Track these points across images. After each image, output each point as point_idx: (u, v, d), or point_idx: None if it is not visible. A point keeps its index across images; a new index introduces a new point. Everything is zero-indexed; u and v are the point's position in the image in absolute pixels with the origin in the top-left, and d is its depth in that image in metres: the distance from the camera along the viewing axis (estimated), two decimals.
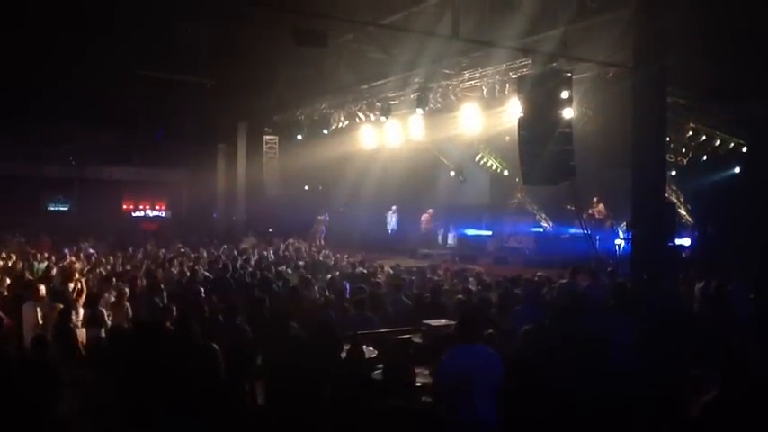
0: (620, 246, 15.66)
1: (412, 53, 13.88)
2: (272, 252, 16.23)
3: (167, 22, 13.87)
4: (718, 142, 16.05)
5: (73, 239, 16.81)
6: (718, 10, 10.09)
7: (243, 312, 7.40)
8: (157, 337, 5.60)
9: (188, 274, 11.33)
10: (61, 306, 7.46)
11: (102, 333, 7.18)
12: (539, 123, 11.73)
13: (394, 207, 21.30)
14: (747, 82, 13.02)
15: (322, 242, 21.07)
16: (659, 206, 10.08)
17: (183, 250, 15.63)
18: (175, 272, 11.92)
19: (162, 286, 9.51)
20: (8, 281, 9.75)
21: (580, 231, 15.71)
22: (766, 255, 11.95)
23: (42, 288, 8.14)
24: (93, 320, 7.35)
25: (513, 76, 13.49)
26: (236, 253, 15.65)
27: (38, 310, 7.72)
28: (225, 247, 16.86)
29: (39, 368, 5.28)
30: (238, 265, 12.84)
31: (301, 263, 13.73)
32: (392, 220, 21.25)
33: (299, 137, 19.98)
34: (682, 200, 17.33)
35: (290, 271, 12.17)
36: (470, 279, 10.91)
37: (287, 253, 16.37)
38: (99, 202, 23.51)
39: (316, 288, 9.80)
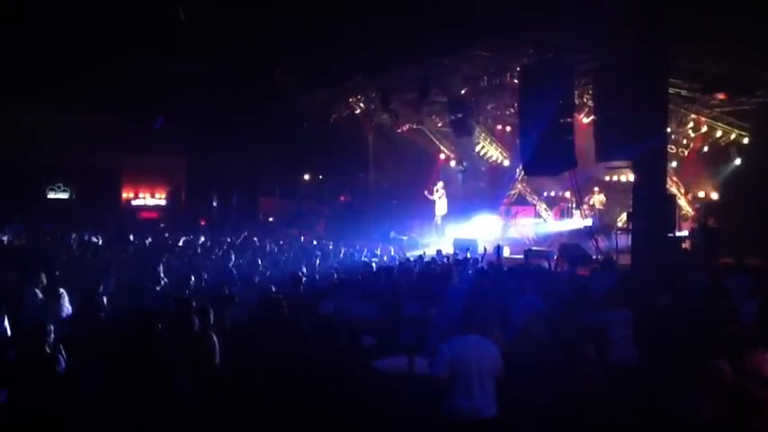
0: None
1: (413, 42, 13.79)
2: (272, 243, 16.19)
3: (167, 7, 13.78)
4: (720, 133, 16.03)
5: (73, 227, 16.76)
6: (720, 1, 10.02)
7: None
8: (156, 325, 5.60)
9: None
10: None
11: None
12: (539, 113, 11.70)
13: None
14: (749, 73, 12.98)
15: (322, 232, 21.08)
16: (660, 198, 10.09)
17: (186, 239, 15.61)
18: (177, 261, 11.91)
19: (162, 275, 9.49)
20: None
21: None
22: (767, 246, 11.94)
23: (43, 276, 8.12)
24: (93, 307, 7.32)
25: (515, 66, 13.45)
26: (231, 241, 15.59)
27: (39, 296, 7.69)
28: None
29: (37, 355, 5.28)
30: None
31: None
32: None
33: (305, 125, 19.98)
34: (682, 191, 17.33)
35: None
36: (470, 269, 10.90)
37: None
38: (98, 190, 23.49)
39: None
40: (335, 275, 9.99)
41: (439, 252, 13.41)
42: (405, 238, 18.72)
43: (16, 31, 14.78)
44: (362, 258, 13.29)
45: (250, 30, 14.95)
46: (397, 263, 12.24)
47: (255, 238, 16.27)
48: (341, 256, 13.76)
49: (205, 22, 14.55)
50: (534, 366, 5.16)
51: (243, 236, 16.50)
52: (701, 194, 17.23)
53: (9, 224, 16.82)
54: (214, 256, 12.53)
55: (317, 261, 12.15)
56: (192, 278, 8.97)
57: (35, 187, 22.72)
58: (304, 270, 10.65)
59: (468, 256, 12.66)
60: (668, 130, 12.55)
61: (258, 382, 5.13)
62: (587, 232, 14.45)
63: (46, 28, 14.77)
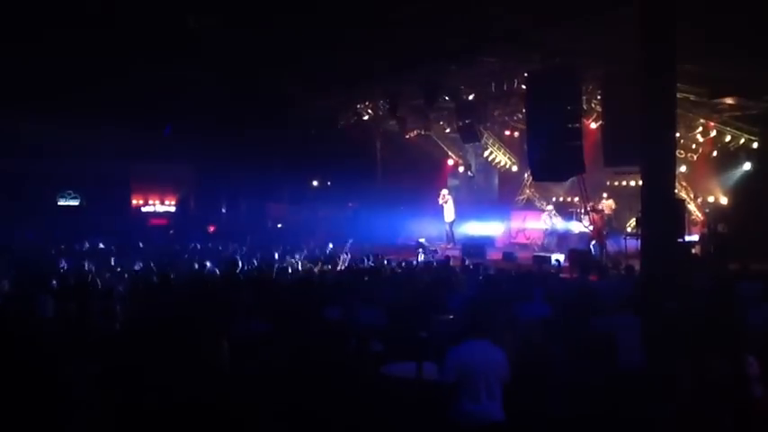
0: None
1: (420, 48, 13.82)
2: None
3: (174, 15, 13.85)
4: (729, 138, 15.96)
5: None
6: (730, 6, 9.99)
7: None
8: (168, 331, 5.65)
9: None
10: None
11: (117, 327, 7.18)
12: (547, 119, 11.70)
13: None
14: (758, 77, 12.93)
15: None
16: (669, 203, 10.04)
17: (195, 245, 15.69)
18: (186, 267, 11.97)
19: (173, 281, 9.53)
20: None
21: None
22: None
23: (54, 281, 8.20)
24: (107, 314, 7.36)
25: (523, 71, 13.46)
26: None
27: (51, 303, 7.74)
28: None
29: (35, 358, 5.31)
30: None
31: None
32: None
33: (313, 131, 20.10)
34: (692, 195, 17.24)
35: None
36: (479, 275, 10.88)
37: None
38: (108, 197, 23.66)
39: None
40: (344, 280, 10.01)
41: (446, 256, 13.45)
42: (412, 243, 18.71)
43: (27, 40, 14.92)
44: (370, 264, 13.30)
45: (258, 38, 15.03)
46: (404, 268, 12.28)
47: (264, 245, 16.34)
48: (348, 261, 13.80)
49: (213, 30, 14.64)
50: (539, 372, 5.16)
51: (251, 242, 16.57)
52: (711, 199, 17.14)
53: (21, 231, 17.00)
54: (223, 262, 12.58)
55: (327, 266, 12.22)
56: (202, 284, 9.04)
57: (46, 194, 22.91)
58: (316, 272, 10.69)
59: (467, 262, 12.69)
60: (677, 134, 12.51)
61: (267, 388, 5.17)
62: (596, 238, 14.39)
63: (56, 37, 14.90)
